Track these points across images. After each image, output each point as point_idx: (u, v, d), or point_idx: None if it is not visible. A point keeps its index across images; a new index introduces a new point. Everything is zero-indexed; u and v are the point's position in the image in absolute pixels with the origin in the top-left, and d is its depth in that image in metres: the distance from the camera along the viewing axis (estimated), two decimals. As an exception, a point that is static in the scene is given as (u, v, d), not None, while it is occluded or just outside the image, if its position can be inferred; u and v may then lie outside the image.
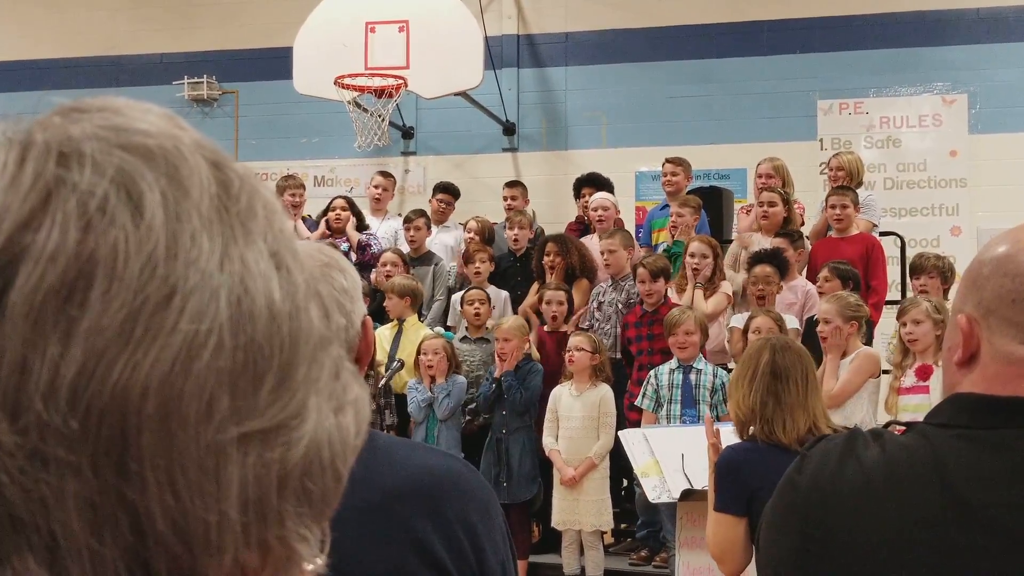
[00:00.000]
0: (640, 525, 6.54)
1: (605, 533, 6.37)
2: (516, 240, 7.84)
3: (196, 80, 11.16)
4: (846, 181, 7.46)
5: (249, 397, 0.46)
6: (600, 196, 7.87)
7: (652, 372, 6.18)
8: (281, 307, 0.48)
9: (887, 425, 1.46)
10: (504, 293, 7.48)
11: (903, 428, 1.44)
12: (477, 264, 7.45)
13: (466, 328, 7.20)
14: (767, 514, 1.51)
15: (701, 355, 6.18)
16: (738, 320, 6.61)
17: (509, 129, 10.71)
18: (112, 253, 0.44)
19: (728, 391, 3.62)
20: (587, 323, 7.01)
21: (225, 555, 0.46)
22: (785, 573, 1.39)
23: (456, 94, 9.34)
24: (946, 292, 6.58)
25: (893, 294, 8.15)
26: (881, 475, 1.34)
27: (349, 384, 0.52)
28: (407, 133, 10.85)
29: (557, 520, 6.27)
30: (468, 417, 6.63)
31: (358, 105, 9.07)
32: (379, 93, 8.92)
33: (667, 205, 7.76)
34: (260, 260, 0.48)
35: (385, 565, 1.42)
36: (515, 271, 7.75)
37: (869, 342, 6.22)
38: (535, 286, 7.43)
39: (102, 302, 0.44)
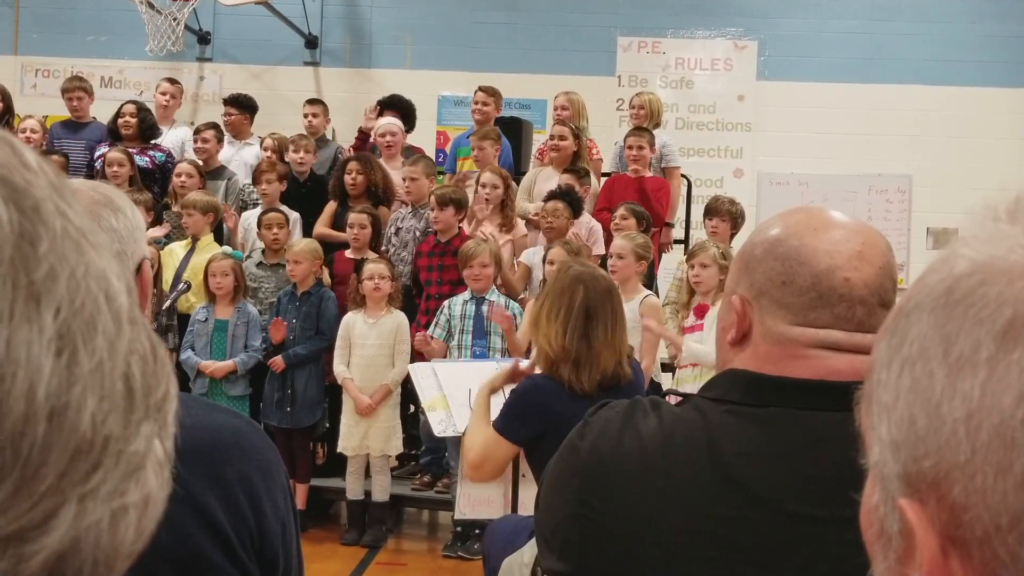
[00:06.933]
0: (424, 451, 6.60)
1: (391, 458, 6.40)
2: (301, 162, 7.51)
3: (-29, -36, 10.32)
4: (646, 121, 7.63)
5: None
6: (387, 121, 7.68)
7: (446, 303, 6.17)
8: (41, 405, 0.41)
9: (664, 394, 1.51)
10: (295, 215, 7.23)
11: (679, 398, 1.50)
12: (264, 185, 7.13)
13: (262, 252, 6.90)
14: (548, 475, 1.55)
15: (494, 287, 6.23)
16: (528, 255, 6.73)
17: (311, 42, 10.39)
18: None
19: (534, 323, 3.45)
20: (384, 248, 6.95)
21: None
22: (563, 534, 1.43)
23: (256, 3, 9.00)
24: (733, 236, 6.87)
25: (678, 232, 8.46)
26: (657, 447, 1.38)
27: (144, 481, 0.46)
28: (203, 38, 10.37)
29: (344, 445, 6.19)
30: (267, 347, 6.40)
31: (151, 6, 8.60)
32: (174, -5, 8.48)
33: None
34: (34, 344, 0.41)
35: (160, 526, 1.37)
36: (301, 196, 7.40)
37: (649, 282, 6.45)
38: (330, 206, 7.27)
39: None
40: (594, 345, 3.34)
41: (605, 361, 3.35)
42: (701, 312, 5.86)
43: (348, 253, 6.74)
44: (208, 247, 6.75)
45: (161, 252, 6.59)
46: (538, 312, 3.47)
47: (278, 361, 6.27)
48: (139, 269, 1.48)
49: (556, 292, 3.44)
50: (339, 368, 6.18)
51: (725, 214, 6.85)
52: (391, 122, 7.69)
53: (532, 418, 3.32)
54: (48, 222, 0.43)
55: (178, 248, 6.81)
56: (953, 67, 9.95)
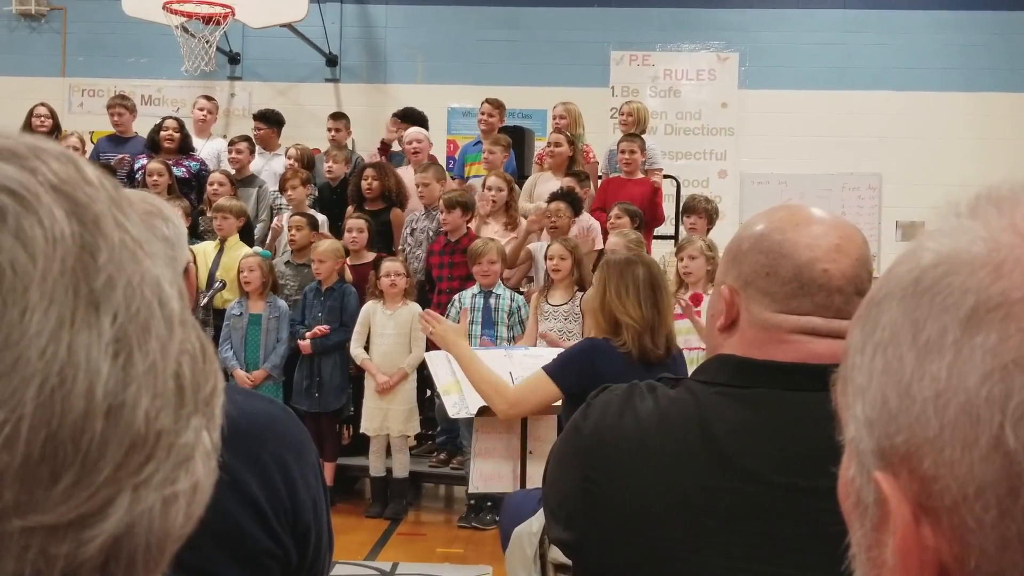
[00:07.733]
0: (440, 432, 6.60)
1: (409, 438, 6.41)
2: (330, 171, 7.57)
3: (23, -6, 10.34)
4: (634, 127, 7.65)
5: (40, 491, 0.40)
6: (414, 130, 7.70)
7: (457, 296, 6.17)
8: (99, 404, 0.41)
9: (660, 379, 1.50)
10: (322, 217, 7.23)
11: (674, 382, 1.50)
12: (289, 192, 7.18)
13: (291, 252, 6.88)
14: (554, 453, 1.55)
15: (500, 281, 6.25)
16: (534, 248, 6.73)
17: (332, 61, 10.40)
18: None
19: (602, 306, 3.42)
20: (400, 247, 6.96)
21: None
22: (568, 507, 1.44)
23: (282, 25, 9.00)
24: (709, 231, 6.89)
25: (668, 228, 8.45)
26: (653, 425, 1.38)
27: (193, 470, 0.46)
28: (233, 59, 10.39)
29: (367, 427, 6.20)
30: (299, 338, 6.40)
31: (186, 30, 8.61)
32: (207, 20, 8.49)
33: (480, 141, 7.74)
34: (93, 348, 0.41)
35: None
36: (332, 201, 7.46)
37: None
38: (350, 210, 7.27)
39: None
40: (662, 310, 3.43)
41: (669, 323, 3.45)
42: (696, 301, 5.86)
43: (349, 260, 6.69)
44: (235, 247, 6.77)
45: (194, 252, 6.59)
46: (602, 296, 3.45)
47: (306, 345, 6.29)
48: (185, 272, 1.49)
49: (616, 275, 3.46)
50: (356, 350, 6.19)
51: (702, 211, 6.94)
52: (418, 131, 7.71)
53: (581, 374, 3.30)
54: (107, 234, 0.42)
55: (208, 248, 6.83)
56: (917, 74, 9.93)
